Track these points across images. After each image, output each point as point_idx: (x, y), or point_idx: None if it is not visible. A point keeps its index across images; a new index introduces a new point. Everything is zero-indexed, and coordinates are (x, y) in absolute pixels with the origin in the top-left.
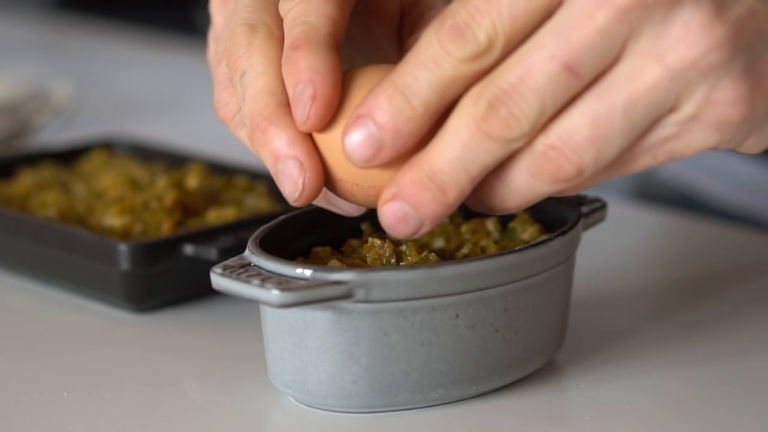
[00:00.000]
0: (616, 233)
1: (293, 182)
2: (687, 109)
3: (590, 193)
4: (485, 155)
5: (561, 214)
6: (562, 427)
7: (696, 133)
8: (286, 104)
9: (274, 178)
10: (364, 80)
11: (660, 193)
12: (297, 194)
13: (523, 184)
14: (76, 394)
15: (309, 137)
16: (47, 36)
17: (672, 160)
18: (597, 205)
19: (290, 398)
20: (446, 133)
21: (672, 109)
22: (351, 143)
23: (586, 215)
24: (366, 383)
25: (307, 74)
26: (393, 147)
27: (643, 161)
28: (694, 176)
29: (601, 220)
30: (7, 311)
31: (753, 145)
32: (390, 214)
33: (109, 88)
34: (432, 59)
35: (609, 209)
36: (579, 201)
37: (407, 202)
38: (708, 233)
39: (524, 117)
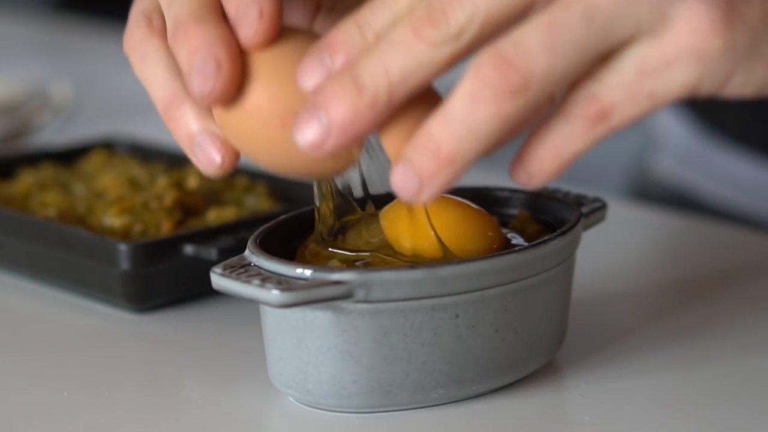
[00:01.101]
0: (616, 233)
1: (206, 78)
2: (657, 28)
3: (590, 192)
4: (407, 57)
5: (561, 214)
6: (562, 427)
7: (675, 66)
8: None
9: (187, 77)
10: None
11: (656, 192)
12: (208, 88)
13: (462, 113)
14: (76, 394)
15: (232, 43)
16: (47, 36)
17: (656, 107)
18: (597, 205)
19: (290, 398)
20: (383, 37)
21: (637, 30)
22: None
23: (586, 215)
24: (366, 383)
25: None
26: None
27: (625, 108)
28: (690, 175)
29: (601, 220)
30: (7, 311)
31: (741, 85)
32: (303, 122)
33: (109, 88)
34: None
35: (609, 209)
36: (579, 201)
37: (322, 106)
38: (708, 233)
39: (454, 18)
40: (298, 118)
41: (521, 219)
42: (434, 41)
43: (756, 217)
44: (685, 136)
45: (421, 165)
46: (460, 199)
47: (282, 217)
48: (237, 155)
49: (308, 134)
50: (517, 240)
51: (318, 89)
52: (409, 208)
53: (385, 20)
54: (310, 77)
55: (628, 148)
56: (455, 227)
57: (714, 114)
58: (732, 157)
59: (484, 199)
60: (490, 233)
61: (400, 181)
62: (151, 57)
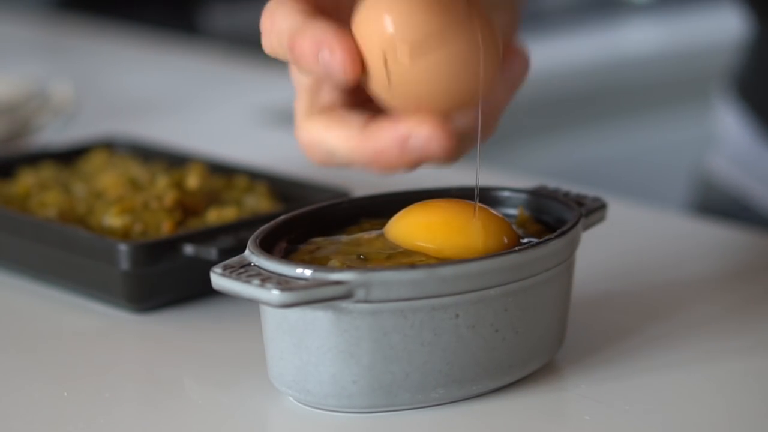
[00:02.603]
0: (617, 233)
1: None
2: None
3: (590, 192)
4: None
5: (561, 214)
6: (562, 427)
7: None
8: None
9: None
10: None
11: (715, 200)
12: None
13: None
14: (76, 394)
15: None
16: (47, 36)
17: None
18: (597, 205)
19: (290, 398)
20: None
21: None
22: None
23: (586, 215)
24: (366, 383)
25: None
26: None
27: None
28: (745, 179)
29: (601, 220)
30: (7, 311)
31: None
32: None
33: (109, 88)
34: None
35: (610, 209)
36: (579, 201)
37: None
38: (708, 233)
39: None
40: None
41: (521, 219)
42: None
43: None
44: (743, 138)
45: None
46: (470, 202)
47: (282, 217)
48: (359, 60)
49: None
50: (530, 239)
51: None
52: (423, 211)
53: None
54: None
55: (691, 156)
56: (468, 230)
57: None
58: None
59: (484, 199)
60: (505, 237)
61: None
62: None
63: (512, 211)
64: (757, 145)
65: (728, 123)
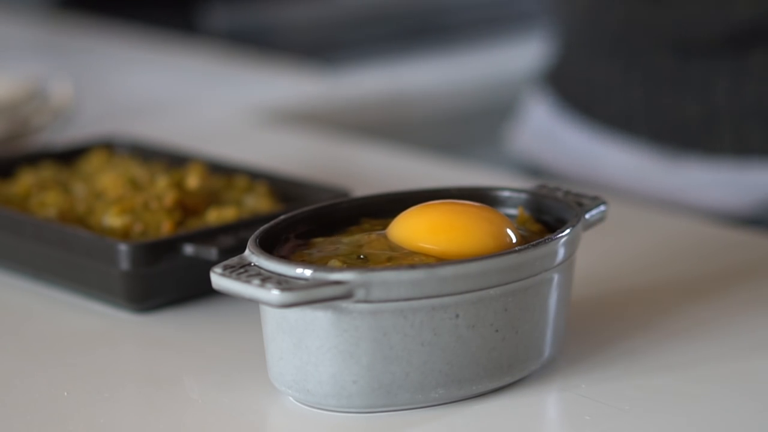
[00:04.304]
0: (616, 233)
1: None
2: None
3: (590, 192)
4: None
5: (561, 214)
6: (562, 427)
7: None
8: None
9: None
10: None
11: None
12: None
13: None
14: (76, 394)
15: None
16: (47, 36)
17: None
18: (597, 204)
19: (290, 398)
20: None
21: None
22: None
23: (586, 215)
24: (366, 383)
25: None
26: None
27: None
28: (544, 150)
29: (601, 220)
30: (7, 311)
31: None
32: None
33: (109, 88)
34: None
35: (609, 209)
36: (579, 201)
37: None
38: (709, 234)
39: None
40: None
41: (521, 219)
42: None
43: (588, 183)
44: (543, 114)
45: None
46: (472, 202)
47: (282, 217)
48: None
49: None
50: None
51: None
52: (424, 213)
53: None
54: None
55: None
56: (471, 230)
57: (566, 90)
58: (577, 132)
59: (484, 199)
60: (507, 238)
61: None
62: None
63: (512, 211)
64: (553, 117)
65: (535, 106)
